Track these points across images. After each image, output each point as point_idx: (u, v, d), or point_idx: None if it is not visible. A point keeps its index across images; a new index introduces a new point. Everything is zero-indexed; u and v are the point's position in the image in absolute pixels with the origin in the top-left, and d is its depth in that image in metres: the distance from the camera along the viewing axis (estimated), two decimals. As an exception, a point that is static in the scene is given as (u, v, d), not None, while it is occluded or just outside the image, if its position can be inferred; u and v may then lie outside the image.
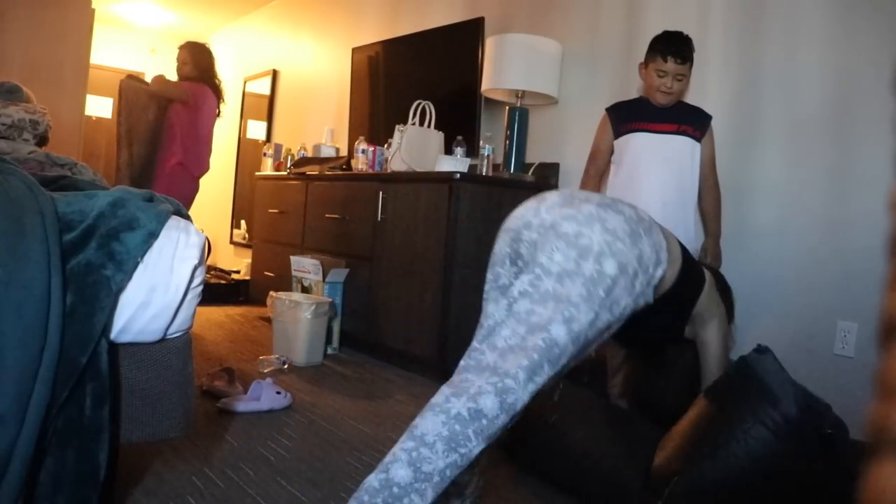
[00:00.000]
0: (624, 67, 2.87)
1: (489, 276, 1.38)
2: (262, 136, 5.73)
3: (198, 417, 2.15)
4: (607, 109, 2.44)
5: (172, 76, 3.80)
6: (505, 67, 2.99)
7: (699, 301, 1.59)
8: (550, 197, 1.34)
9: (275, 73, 5.62)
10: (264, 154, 4.87)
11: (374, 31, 4.33)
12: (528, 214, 1.33)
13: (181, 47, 3.73)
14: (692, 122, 2.34)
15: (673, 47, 2.26)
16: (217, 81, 3.75)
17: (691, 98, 2.61)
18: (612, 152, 2.42)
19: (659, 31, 2.74)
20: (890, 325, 0.33)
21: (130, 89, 3.60)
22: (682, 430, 1.59)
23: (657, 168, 2.30)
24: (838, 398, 2.09)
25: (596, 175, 2.47)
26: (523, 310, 1.17)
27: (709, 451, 1.48)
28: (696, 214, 2.40)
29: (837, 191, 2.19)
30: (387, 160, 3.36)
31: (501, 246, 1.36)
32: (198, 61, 3.68)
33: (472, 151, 3.16)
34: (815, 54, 2.27)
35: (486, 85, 3.09)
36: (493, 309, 1.29)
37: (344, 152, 4.26)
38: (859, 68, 2.16)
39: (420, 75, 3.69)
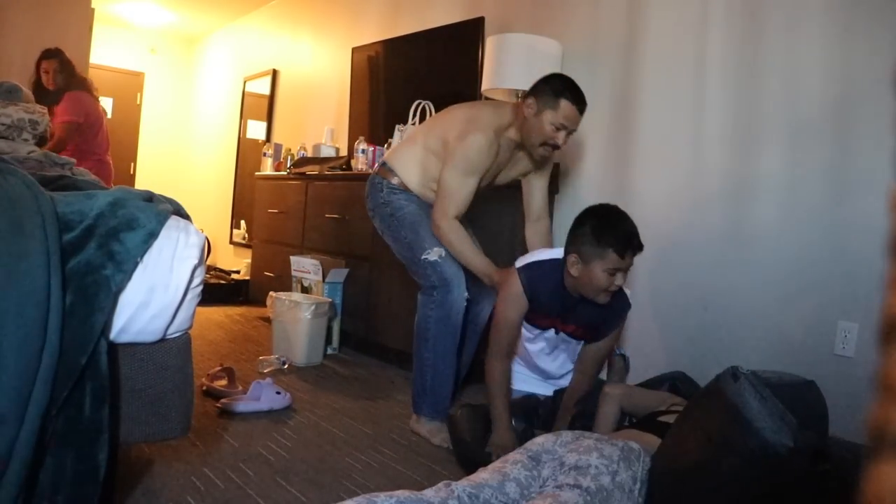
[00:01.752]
0: (624, 67, 2.87)
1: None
2: (261, 136, 5.73)
3: (198, 417, 2.15)
4: (522, 276, 2.01)
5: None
6: (505, 67, 2.98)
7: None
8: (564, 436, 1.58)
9: (275, 73, 5.62)
10: (264, 154, 4.88)
11: (374, 31, 4.33)
12: (548, 444, 1.56)
13: (48, 58, 3.70)
14: (610, 326, 2.10)
15: (635, 240, 1.93)
16: (83, 79, 3.79)
17: (690, 102, 2.61)
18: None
19: (659, 31, 2.75)
20: (890, 325, 0.33)
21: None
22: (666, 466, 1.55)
23: (557, 356, 2.31)
24: (838, 398, 2.09)
25: (509, 356, 2.09)
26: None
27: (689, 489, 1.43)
28: None
29: (837, 191, 2.19)
30: (387, 160, 3.36)
31: (518, 456, 1.55)
32: (67, 70, 3.70)
33: (472, 151, 3.16)
34: (815, 54, 2.27)
35: (486, 85, 3.09)
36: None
37: (344, 152, 4.26)
38: (859, 68, 2.16)
39: (420, 75, 3.69)
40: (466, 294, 2.19)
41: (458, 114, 2.23)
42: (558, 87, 2.07)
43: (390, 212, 2.28)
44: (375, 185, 2.33)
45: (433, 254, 2.18)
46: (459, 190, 2.13)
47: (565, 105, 2.07)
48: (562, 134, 2.09)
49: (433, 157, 2.22)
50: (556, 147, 2.13)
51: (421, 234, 2.21)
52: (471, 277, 2.21)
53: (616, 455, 1.47)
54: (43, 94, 3.65)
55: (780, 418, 1.34)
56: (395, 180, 2.28)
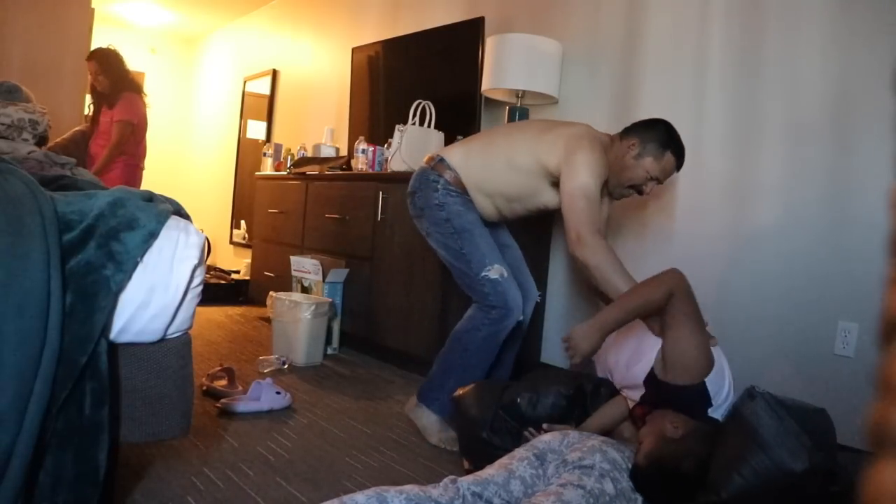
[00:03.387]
0: (624, 67, 2.87)
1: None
2: (262, 136, 5.73)
3: (198, 417, 2.15)
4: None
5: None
6: (505, 67, 2.98)
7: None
8: (571, 436, 1.57)
9: (275, 73, 5.62)
10: (264, 154, 4.87)
11: (374, 31, 4.33)
12: (554, 444, 1.55)
13: (90, 59, 3.81)
14: None
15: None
16: (137, 81, 3.93)
17: (690, 102, 2.61)
18: None
19: (659, 31, 2.75)
20: (890, 324, 0.33)
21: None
22: None
23: None
24: (838, 398, 2.09)
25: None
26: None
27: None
28: None
29: (837, 191, 2.19)
30: (387, 160, 3.36)
31: (525, 452, 1.54)
32: (108, 71, 3.77)
33: (472, 151, 3.16)
34: (815, 54, 2.27)
35: (486, 85, 3.09)
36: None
37: (344, 152, 4.26)
38: (859, 68, 2.16)
39: (420, 75, 3.69)
40: (521, 316, 2.13)
41: (555, 135, 2.07)
42: (666, 138, 1.99)
43: (445, 216, 2.14)
44: (430, 181, 2.17)
45: (494, 271, 2.09)
46: (592, 201, 1.91)
47: (669, 158, 2.00)
48: (652, 184, 2.03)
49: (519, 174, 2.10)
50: (640, 194, 2.07)
51: (481, 248, 2.12)
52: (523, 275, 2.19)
53: (620, 461, 1.45)
54: (97, 95, 3.84)
55: (795, 438, 1.33)
56: (448, 175, 2.15)
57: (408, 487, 1.36)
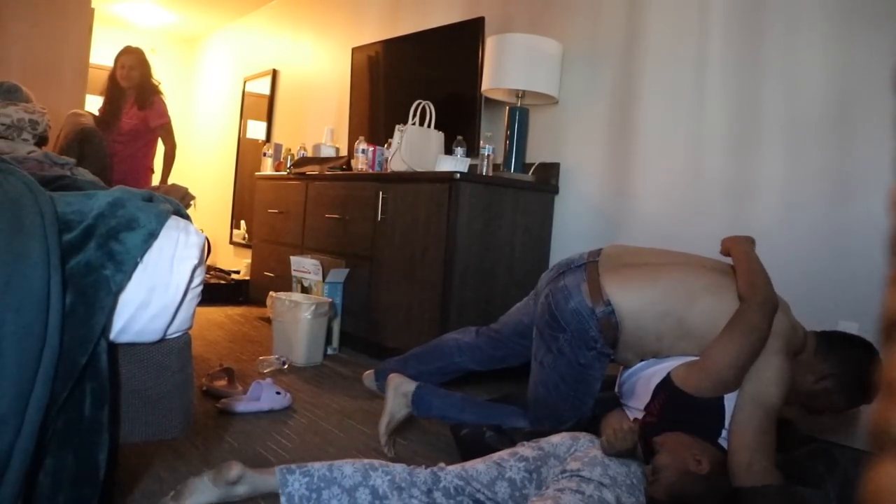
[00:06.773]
0: (624, 67, 2.87)
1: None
2: (261, 136, 5.73)
3: (198, 417, 2.15)
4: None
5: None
6: (505, 67, 2.98)
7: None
8: (580, 442, 1.53)
9: (275, 73, 5.62)
10: (264, 154, 4.88)
11: (374, 31, 4.34)
12: (561, 448, 1.51)
13: (128, 53, 3.95)
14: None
15: None
16: (155, 84, 4.10)
17: (690, 102, 2.61)
18: None
19: (659, 31, 2.75)
20: (890, 324, 0.33)
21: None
22: None
23: None
24: (838, 398, 2.09)
25: None
26: None
27: None
28: None
29: (838, 191, 2.19)
30: (387, 160, 3.36)
31: (529, 451, 1.50)
32: (144, 67, 3.97)
33: (472, 151, 3.16)
34: (815, 54, 2.27)
35: (486, 85, 3.09)
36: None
37: (344, 152, 4.26)
38: (859, 68, 2.16)
39: (420, 75, 3.69)
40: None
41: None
42: (864, 388, 1.67)
43: (580, 376, 1.84)
44: (588, 336, 1.81)
45: (565, 434, 1.87)
46: (773, 423, 1.56)
47: (857, 405, 1.72)
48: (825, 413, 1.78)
49: (689, 340, 1.72)
50: (807, 411, 1.79)
51: (583, 404, 1.88)
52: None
53: (622, 478, 1.41)
54: (118, 91, 3.93)
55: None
56: (608, 336, 1.79)
57: (398, 469, 1.37)
